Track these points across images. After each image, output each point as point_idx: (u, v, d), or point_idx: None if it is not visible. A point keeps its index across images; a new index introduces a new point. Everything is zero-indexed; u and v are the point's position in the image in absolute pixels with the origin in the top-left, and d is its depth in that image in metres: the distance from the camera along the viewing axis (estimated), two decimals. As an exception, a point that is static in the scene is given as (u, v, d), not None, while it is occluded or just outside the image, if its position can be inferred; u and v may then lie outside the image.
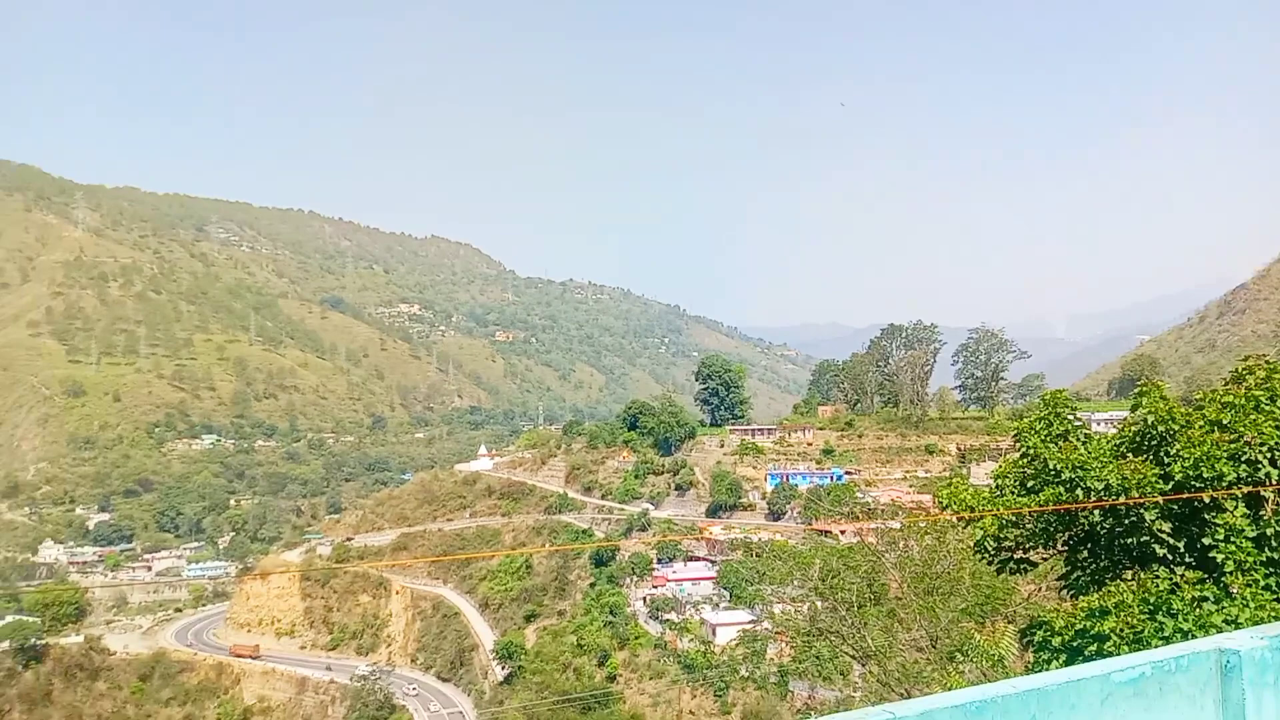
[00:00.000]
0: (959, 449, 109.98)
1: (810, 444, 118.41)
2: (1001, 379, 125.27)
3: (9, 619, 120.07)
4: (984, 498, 12.09)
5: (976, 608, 19.84)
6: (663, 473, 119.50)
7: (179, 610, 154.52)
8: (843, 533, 65.23)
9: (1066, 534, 11.60)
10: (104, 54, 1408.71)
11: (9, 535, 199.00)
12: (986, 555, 11.95)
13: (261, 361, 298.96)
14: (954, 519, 21.08)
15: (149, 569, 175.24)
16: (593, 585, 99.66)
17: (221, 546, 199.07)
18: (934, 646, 20.90)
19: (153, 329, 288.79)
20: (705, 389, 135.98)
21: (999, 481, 12.25)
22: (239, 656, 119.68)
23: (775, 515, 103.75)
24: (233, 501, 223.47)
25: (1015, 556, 12.04)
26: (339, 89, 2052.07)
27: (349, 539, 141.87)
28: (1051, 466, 11.13)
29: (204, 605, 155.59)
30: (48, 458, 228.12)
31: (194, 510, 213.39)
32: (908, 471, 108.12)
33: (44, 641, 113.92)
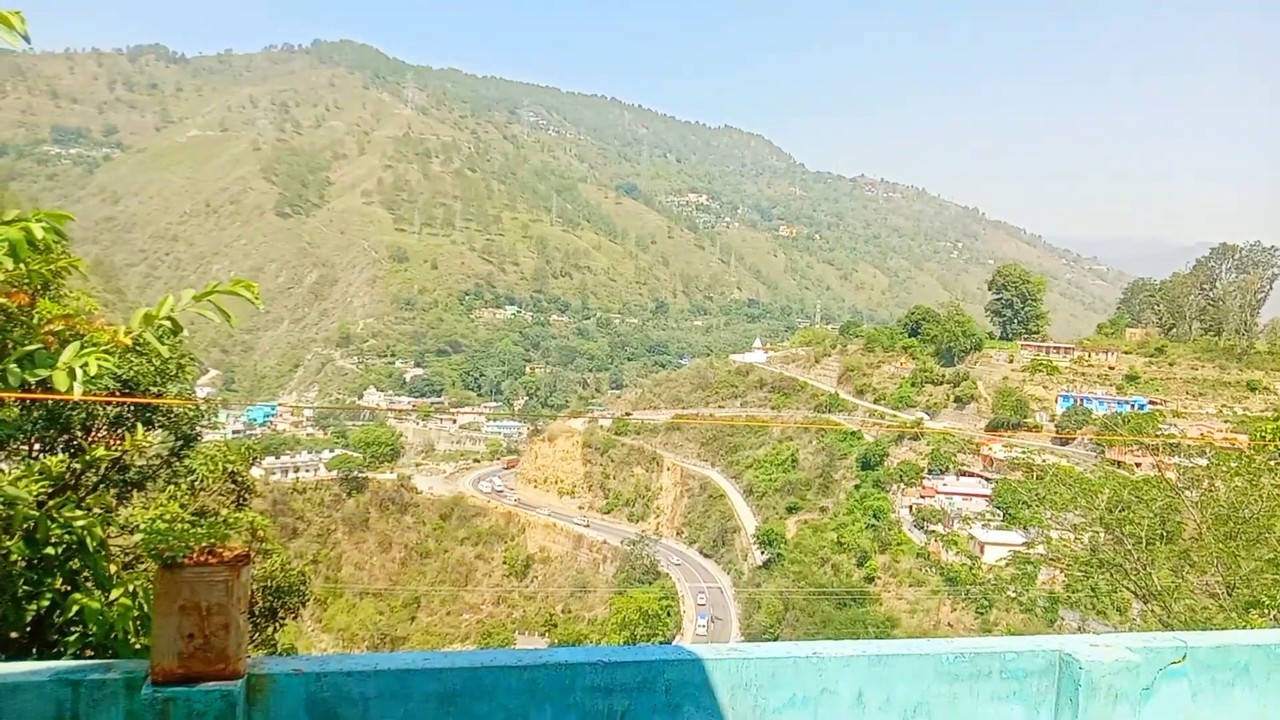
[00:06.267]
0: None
1: (1112, 368, 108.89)
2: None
3: (338, 452, 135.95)
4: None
5: (1287, 560, 18.13)
6: (942, 383, 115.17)
7: (477, 461, 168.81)
8: (1138, 465, 60.45)
9: None
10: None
11: (340, 380, 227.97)
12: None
13: (560, 241, 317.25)
14: (1274, 462, 19.16)
15: (454, 421, 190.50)
16: (857, 487, 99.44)
17: (516, 408, 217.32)
18: (1229, 594, 19.45)
19: (467, 204, 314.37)
20: (998, 300, 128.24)
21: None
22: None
23: (1063, 439, 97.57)
24: (528, 369, 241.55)
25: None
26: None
27: (628, 414, 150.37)
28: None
29: (498, 458, 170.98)
30: (374, 314, 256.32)
31: (494, 373, 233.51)
32: (1223, 406, 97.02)
33: (364, 475, 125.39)
